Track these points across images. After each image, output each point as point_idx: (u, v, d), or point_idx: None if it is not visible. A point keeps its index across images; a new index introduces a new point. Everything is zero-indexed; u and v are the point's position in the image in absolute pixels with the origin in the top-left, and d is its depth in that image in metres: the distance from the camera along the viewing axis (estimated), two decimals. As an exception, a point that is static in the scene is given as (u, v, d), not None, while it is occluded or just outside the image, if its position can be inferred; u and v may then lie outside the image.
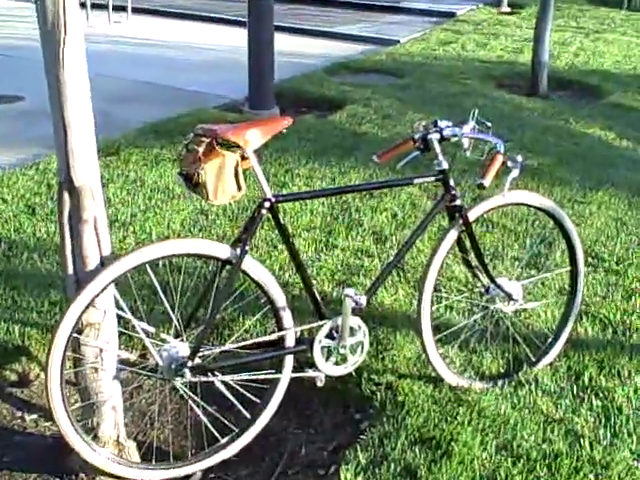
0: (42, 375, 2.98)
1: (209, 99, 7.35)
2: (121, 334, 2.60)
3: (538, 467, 2.60)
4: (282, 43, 8.30)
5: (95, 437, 2.57)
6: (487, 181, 2.61)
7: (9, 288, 3.56)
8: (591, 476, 2.57)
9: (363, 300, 2.73)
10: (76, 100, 2.25)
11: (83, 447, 2.47)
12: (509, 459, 2.63)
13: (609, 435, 2.80)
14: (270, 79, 6.93)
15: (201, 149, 2.38)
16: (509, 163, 2.72)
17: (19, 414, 2.91)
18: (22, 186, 4.80)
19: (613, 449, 2.72)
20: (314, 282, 3.75)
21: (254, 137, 2.46)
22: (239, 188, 2.47)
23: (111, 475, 2.56)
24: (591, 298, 3.75)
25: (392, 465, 2.58)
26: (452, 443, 2.67)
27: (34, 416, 2.90)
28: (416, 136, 2.87)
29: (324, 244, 4.24)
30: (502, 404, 2.93)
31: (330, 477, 2.65)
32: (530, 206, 3.09)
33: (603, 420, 2.89)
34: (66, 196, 2.32)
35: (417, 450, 2.65)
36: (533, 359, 3.21)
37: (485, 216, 4.45)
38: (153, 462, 2.63)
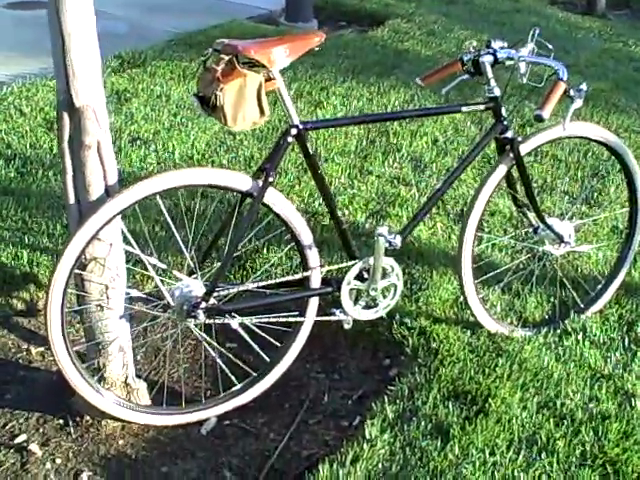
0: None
1: (244, 10, 6.94)
2: (131, 271, 2.38)
3: (584, 430, 2.36)
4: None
5: (102, 378, 2.39)
6: (546, 112, 2.29)
7: (20, 208, 3.34)
8: (643, 443, 2.33)
9: (398, 240, 2.46)
10: (76, 5, 1.96)
11: (86, 389, 2.28)
12: (551, 420, 2.40)
13: (663, 396, 2.54)
14: (309, -11, 6.51)
15: (220, 68, 2.09)
16: (572, 92, 2.39)
17: (25, 346, 2.73)
18: (42, 98, 4.53)
19: (667, 413, 2.47)
20: (346, 212, 3.51)
21: (281, 55, 2.15)
22: (262, 113, 2.19)
23: (118, 419, 2.38)
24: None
25: (422, 422, 2.35)
26: (489, 399, 2.44)
27: (41, 349, 2.71)
28: (465, 58, 2.54)
29: (358, 170, 3.95)
30: (545, 356, 2.68)
31: (354, 430, 2.45)
32: (591, 140, 2.76)
33: (657, 378, 2.63)
34: (66, 118, 2.06)
35: (450, 406, 2.42)
36: (581, 305, 2.94)
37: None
38: (164, 406, 2.44)
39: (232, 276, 2.98)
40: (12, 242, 3.10)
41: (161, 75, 5.05)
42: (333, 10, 6.93)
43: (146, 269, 2.33)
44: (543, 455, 2.26)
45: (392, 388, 2.52)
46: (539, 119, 2.30)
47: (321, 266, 2.47)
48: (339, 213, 2.55)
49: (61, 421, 2.43)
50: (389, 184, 3.82)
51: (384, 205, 3.61)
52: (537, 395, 2.50)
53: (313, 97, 4.80)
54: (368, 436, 2.29)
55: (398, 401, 2.45)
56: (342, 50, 5.69)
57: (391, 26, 6.43)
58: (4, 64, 5.44)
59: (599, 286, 2.99)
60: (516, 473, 2.19)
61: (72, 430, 2.40)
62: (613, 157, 2.83)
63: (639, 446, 2.30)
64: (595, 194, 3.79)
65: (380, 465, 2.20)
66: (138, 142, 4.06)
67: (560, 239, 2.75)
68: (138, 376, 2.50)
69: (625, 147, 2.80)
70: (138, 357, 2.69)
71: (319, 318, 2.53)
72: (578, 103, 2.38)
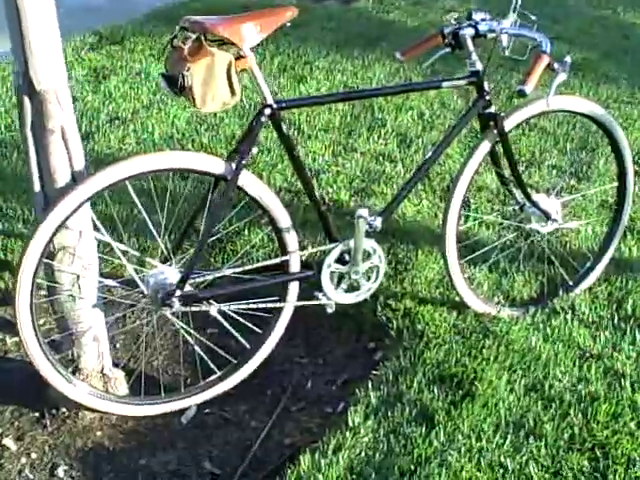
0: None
1: (225, -19, 6.78)
2: (108, 259, 2.30)
3: (572, 412, 2.30)
4: None
5: (77, 369, 2.32)
6: (529, 87, 2.20)
7: (-6, 193, 3.26)
8: (632, 424, 2.26)
9: (378, 222, 2.38)
10: (33, -18, 1.86)
11: (58, 380, 2.21)
12: (539, 402, 2.34)
13: (654, 376, 2.49)
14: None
15: (187, 47, 1.99)
16: (555, 65, 2.29)
17: (0, 336, 2.66)
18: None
19: (658, 393, 2.41)
20: (330, 191, 3.43)
21: (251, 32, 2.06)
22: (233, 93, 2.09)
23: (93, 410, 2.31)
24: (637, 213, 3.36)
25: (407, 407, 2.29)
26: (475, 382, 2.38)
27: (16, 339, 2.62)
28: (446, 30, 2.44)
29: (343, 147, 3.86)
30: (533, 336, 2.62)
31: (338, 416, 2.39)
32: (578, 114, 2.67)
33: (647, 357, 2.57)
34: (27, 102, 1.97)
35: (435, 390, 2.36)
36: (570, 283, 2.87)
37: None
38: (142, 396, 2.38)
39: (213, 260, 2.91)
40: (-15, 228, 3.03)
41: (140, 51, 4.94)
42: (317, -19, 6.77)
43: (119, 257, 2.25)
44: (531, 439, 2.20)
45: (376, 373, 2.46)
46: (522, 94, 2.21)
47: (300, 249, 2.40)
48: (318, 194, 2.47)
49: (37, 414, 2.37)
50: (374, 161, 3.74)
51: (369, 183, 3.53)
52: (525, 377, 2.44)
53: (296, 72, 4.69)
54: (351, 424, 2.23)
55: (382, 386, 2.39)
56: (326, 22, 5.58)
57: (376, -4, 6.30)
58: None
59: (588, 263, 2.92)
60: (503, 459, 2.13)
61: (48, 423, 2.34)
62: (601, 131, 2.74)
63: (629, 428, 2.25)
64: (584, 168, 3.71)
65: (363, 454, 2.14)
66: (117, 122, 3.97)
67: (547, 216, 2.68)
68: (116, 365, 2.43)
69: (613, 120, 2.72)
70: (117, 345, 2.64)
71: (300, 303, 2.46)
72: (562, 76, 2.29)
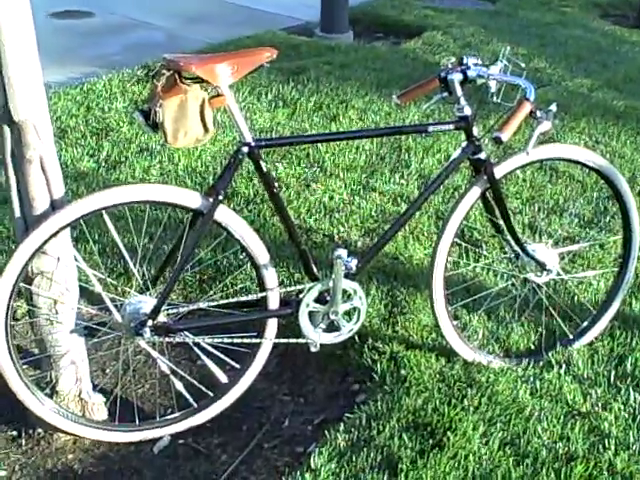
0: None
1: (280, 20, 6.94)
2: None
3: (544, 471, 2.22)
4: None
5: (55, 392, 2.37)
6: (505, 135, 2.16)
7: None
8: (606, 488, 2.18)
9: (353, 264, 2.37)
10: (12, 16, 1.94)
11: (27, 396, 2.26)
12: (511, 458, 2.26)
13: (641, 438, 2.38)
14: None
15: (160, 83, 2.05)
16: (538, 113, 2.24)
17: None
18: (60, 107, 4.60)
19: (642, 456, 2.31)
20: (341, 229, 3.43)
21: (226, 71, 2.10)
22: (206, 130, 2.13)
23: (63, 431, 2.35)
24: (655, 268, 3.24)
25: (372, 453, 2.26)
26: (448, 432, 2.32)
27: None
28: (442, 75, 2.43)
29: (363, 186, 3.86)
30: (520, 389, 2.54)
31: (308, 456, 2.36)
32: (571, 161, 2.61)
33: (638, 418, 2.46)
34: (6, 131, 2.05)
35: (406, 437, 2.31)
36: (570, 336, 2.79)
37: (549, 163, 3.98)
38: (116, 422, 2.41)
39: (198, 292, 2.94)
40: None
41: (183, 85, 5.05)
42: (370, 21, 6.85)
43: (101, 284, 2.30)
44: (496, 496, 2.14)
45: (349, 415, 2.43)
46: (498, 141, 2.18)
47: (279, 286, 2.41)
48: (300, 235, 2.48)
49: (15, 432, 2.43)
50: (391, 201, 3.72)
51: (381, 223, 3.51)
52: (503, 431, 2.37)
53: (331, 110, 4.72)
54: (313, 466, 2.21)
55: (354, 430, 2.36)
56: (371, 62, 5.61)
57: (426, 38, 6.31)
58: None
59: (590, 317, 2.83)
60: (462, 514, 2.08)
61: (23, 442, 2.39)
62: (602, 180, 2.67)
63: (602, 492, 2.16)
64: (607, 218, 3.61)
65: (319, 497, 2.12)
66: (145, 153, 4.07)
67: (542, 267, 2.62)
68: (101, 390, 2.48)
69: (616, 171, 2.65)
70: (103, 370, 2.69)
71: (279, 340, 2.46)
72: (545, 125, 2.24)
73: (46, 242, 2.13)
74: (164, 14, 7.02)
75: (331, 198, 3.71)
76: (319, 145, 4.12)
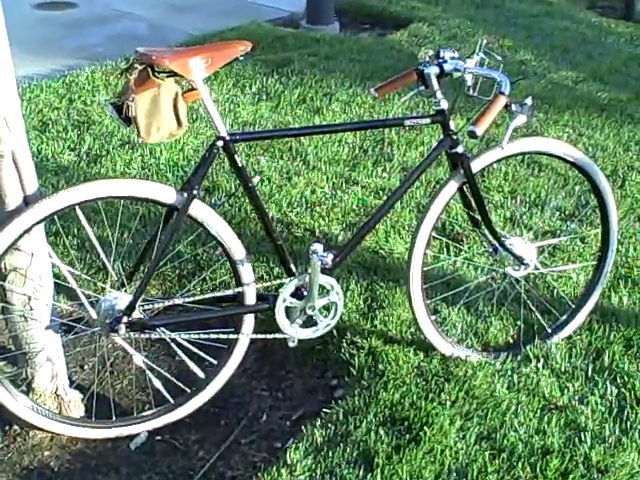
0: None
1: (266, 12, 6.89)
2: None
3: (520, 465, 2.23)
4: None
5: (30, 389, 2.36)
6: (480, 129, 2.15)
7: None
8: (581, 482, 2.18)
9: (329, 259, 2.36)
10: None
11: (7, 399, 2.25)
12: (487, 452, 2.27)
13: (617, 431, 2.39)
14: (330, -9, 6.41)
15: (132, 77, 2.03)
16: (513, 107, 2.24)
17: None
18: (43, 100, 4.57)
19: (617, 450, 2.32)
20: (322, 223, 3.42)
21: (200, 65, 2.08)
22: (179, 124, 2.12)
23: (37, 428, 2.34)
24: (635, 261, 3.25)
25: (349, 448, 2.26)
26: (425, 427, 2.32)
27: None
28: (420, 68, 2.42)
29: (345, 179, 3.85)
30: (498, 383, 2.55)
31: (284, 452, 2.36)
32: (548, 154, 2.61)
33: (615, 412, 2.47)
34: (-24, 126, 2.03)
35: (382, 432, 2.32)
36: (548, 330, 2.79)
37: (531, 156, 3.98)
38: (92, 419, 2.40)
39: (176, 287, 2.93)
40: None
41: (166, 78, 5.02)
42: (356, 12, 6.81)
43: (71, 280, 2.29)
44: (471, 490, 2.15)
45: (327, 411, 2.43)
46: (472, 135, 2.17)
47: (258, 281, 2.40)
48: (278, 230, 2.47)
49: (-9, 430, 2.42)
50: (373, 194, 3.71)
51: (362, 217, 3.51)
52: (479, 425, 2.37)
53: (314, 103, 4.71)
54: (289, 461, 2.21)
55: (330, 425, 2.36)
56: (356, 54, 5.59)
57: (413, 30, 6.28)
58: (19, 66, 5.50)
59: (569, 310, 2.84)
60: (437, 509, 2.08)
61: (-1, 439, 2.39)
62: (580, 174, 2.67)
63: (577, 485, 2.17)
64: (588, 212, 3.61)
65: (294, 493, 2.12)
66: (127, 146, 4.05)
67: (520, 261, 2.62)
68: (78, 387, 2.47)
69: (593, 165, 2.65)
70: (81, 367, 2.68)
71: (256, 336, 2.46)
72: (521, 119, 2.24)
73: (19, 238, 2.12)
74: (148, 4, 6.96)
75: (312, 192, 3.70)
76: (302, 138, 4.11)
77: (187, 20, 6.61)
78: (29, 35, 5.99)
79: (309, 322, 2.48)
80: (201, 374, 2.44)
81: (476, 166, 2.45)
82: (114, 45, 5.89)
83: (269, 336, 2.47)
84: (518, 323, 2.85)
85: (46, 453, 2.36)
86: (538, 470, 2.22)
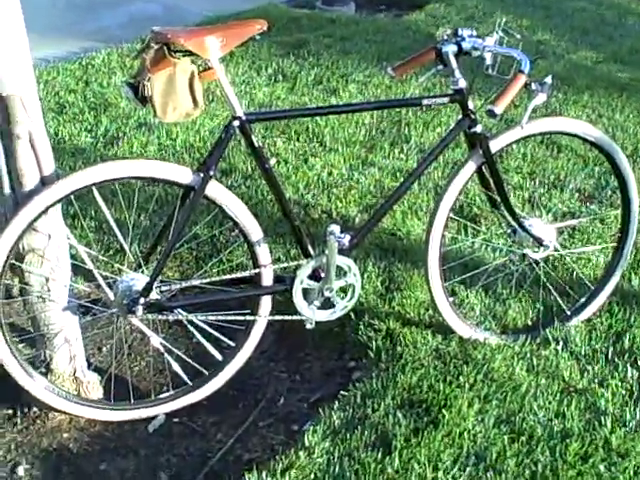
0: None
1: (283, -7, 6.85)
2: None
3: (539, 449, 2.21)
4: None
5: (49, 370, 2.36)
6: (499, 108, 2.12)
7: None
8: (601, 466, 2.16)
9: (346, 240, 2.34)
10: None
11: (17, 370, 2.24)
12: (507, 435, 2.25)
13: (638, 415, 2.36)
14: (346, -29, 6.37)
15: (149, 57, 2.01)
16: (533, 86, 2.20)
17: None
18: (59, 82, 4.57)
19: (638, 434, 2.29)
20: (339, 205, 3.40)
21: (215, 44, 2.06)
22: (195, 104, 2.10)
23: (55, 409, 2.35)
24: (658, 242, 3.21)
25: (367, 431, 2.24)
26: (443, 410, 2.31)
27: None
28: (437, 47, 2.39)
29: (362, 161, 3.82)
30: (517, 366, 2.52)
31: (302, 434, 2.35)
32: (568, 134, 2.57)
33: (635, 395, 2.44)
34: (-7, 107, 2.02)
35: (401, 415, 2.30)
36: (568, 312, 2.76)
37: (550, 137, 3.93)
38: (111, 401, 2.41)
39: (193, 268, 2.92)
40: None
41: (181, 60, 5.00)
42: (373, -7, 6.77)
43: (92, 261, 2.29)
44: (490, 474, 2.13)
45: (344, 393, 2.42)
46: (491, 115, 2.14)
47: (273, 263, 2.39)
48: (295, 211, 2.46)
49: (10, 411, 2.43)
50: (390, 176, 3.68)
51: (380, 199, 3.48)
52: (498, 408, 2.35)
53: (331, 84, 4.69)
54: (307, 443, 2.20)
55: (348, 407, 2.35)
56: (372, 35, 5.55)
57: (429, 10, 6.24)
58: (36, 48, 5.50)
59: (589, 292, 2.80)
60: (456, 492, 2.07)
61: (19, 421, 2.39)
62: (600, 154, 2.63)
63: (597, 470, 2.14)
64: (608, 193, 3.57)
65: (312, 475, 2.11)
66: (143, 128, 4.04)
67: (539, 242, 2.58)
68: (96, 369, 2.47)
69: (614, 144, 2.61)
70: (99, 349, 2.68)
71: (274, 317, 2.45)
72: (541, 98, 2.20)
73: (37, 219, 2.11)
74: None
75: (329, 174, 3.67)
76: (318, 119, 4.08)
77: (202, 2, 6.58)
78: (45, 18, 5.97)
79: (326, 304, 2.46)
80: (219, 356, 2.44)
81: (495, 146, 2.41)
82: (130, 27, 5.88)
83: (286, 318, 2.46)
84: (537, 305, 2.83)
85: (65, 435, 2.37)
86: (557, 454, 2.19)
